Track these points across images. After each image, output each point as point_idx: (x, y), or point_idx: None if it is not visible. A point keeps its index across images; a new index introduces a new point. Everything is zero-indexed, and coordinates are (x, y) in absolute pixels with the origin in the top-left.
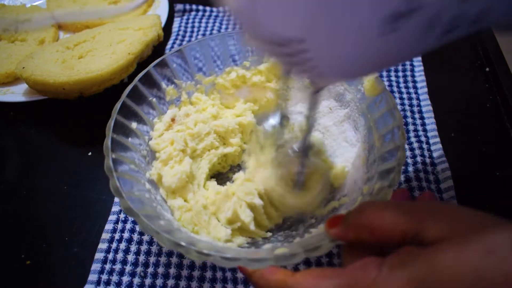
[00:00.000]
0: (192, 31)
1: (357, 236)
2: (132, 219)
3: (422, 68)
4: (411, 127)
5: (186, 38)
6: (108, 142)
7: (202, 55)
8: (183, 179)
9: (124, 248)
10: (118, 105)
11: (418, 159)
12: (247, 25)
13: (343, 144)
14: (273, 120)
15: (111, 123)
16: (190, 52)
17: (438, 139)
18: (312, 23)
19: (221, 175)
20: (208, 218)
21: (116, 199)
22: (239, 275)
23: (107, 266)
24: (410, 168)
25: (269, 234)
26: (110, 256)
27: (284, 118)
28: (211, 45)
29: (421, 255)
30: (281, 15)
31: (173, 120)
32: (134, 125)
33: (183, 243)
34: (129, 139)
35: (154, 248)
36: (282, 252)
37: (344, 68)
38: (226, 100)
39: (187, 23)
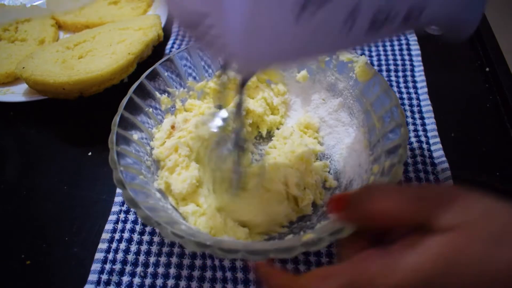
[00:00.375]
0: None
1: (362, 224)
2: (132, 220)
3: (422, 68)
4: (411, 127)
5: (186, 38)
6: (113, 155)
7: (191, 61)
8: (193, 184)
9: (124, 248)
10: (117, 118)
11: (418, 159)
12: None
13: (340, 131)
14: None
15: (113, 137)
16: (180, 60)
17: (438, 139)
18: None
19: None
20: (224, 220)
21: (116, 200)
22: (239, 275)
23: (107, 266)
24: (410, 168)
25: (285, 229)
26: (110, 256)
27: (240, 147)
28: (199, 51)
29: (430, 241)
30: None
31: (173, 127)
32: (135, 136)
33: (209, 243)
34: (133, 150)
35: (154, 248)
36: (309, 238)
37: (257, 49)
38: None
39: None
